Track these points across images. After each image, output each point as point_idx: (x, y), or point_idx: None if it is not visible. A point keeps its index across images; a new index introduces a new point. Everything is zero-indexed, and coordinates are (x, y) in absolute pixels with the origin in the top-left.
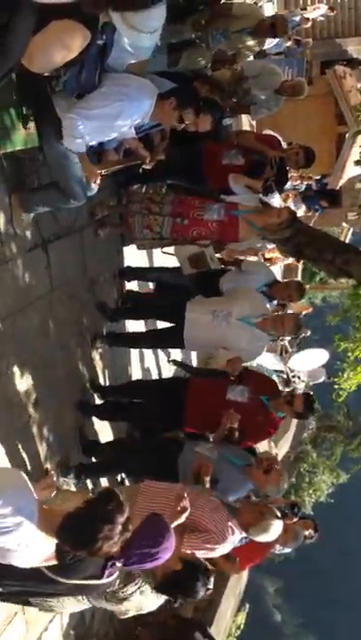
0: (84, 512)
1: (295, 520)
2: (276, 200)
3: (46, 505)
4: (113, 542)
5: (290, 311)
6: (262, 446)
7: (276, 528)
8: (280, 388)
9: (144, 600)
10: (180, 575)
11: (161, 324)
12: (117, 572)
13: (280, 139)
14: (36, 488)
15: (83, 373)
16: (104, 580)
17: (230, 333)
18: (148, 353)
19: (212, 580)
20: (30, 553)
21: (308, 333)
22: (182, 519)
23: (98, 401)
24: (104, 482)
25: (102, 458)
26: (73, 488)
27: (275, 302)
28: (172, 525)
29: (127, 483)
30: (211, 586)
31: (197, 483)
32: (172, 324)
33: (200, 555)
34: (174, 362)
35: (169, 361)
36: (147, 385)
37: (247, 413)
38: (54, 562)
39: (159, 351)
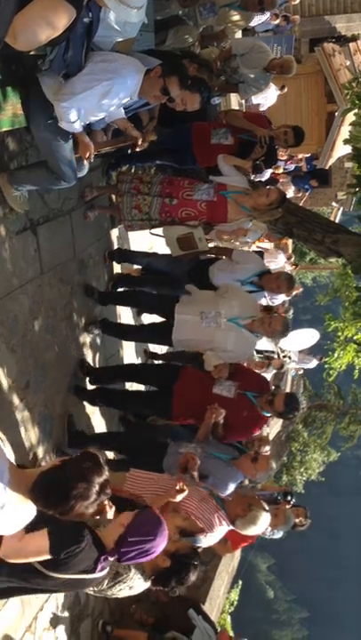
0: (60, 469)
1: (287, 507)
2: (266, 174)
3: None
4: (88, 503)
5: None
6: None
7: (263, 521)
8: (260, 367)
9: (134, 590)
10: (170, 570)
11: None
12: (109, 567)
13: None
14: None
15: (73, 357)
16: (97, 575)
17: (219, 335)
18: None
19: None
20: (6, 516)
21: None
22: (177, 499)
23: (89, 386)
24: None
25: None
26: None
27: (265, 294)
28: (162, 503)
29: None
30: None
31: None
32: (162, 320)
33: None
34: (149, 353)
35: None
36: (137, 370)
37: (232, 409)
38: (47, 556)
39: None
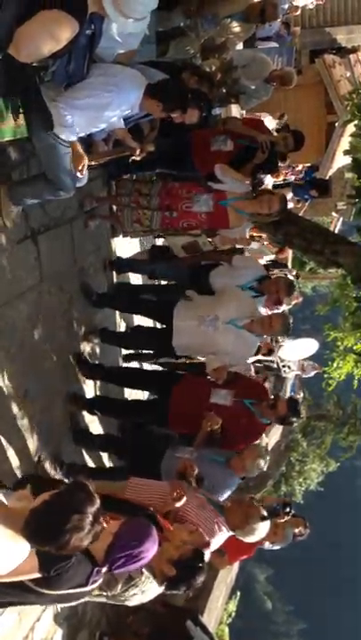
0: (51, 503)
1: (287, 519)
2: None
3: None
4: (83, 534)
5: None
6: None
7: (262, 529)
8: (253, 374)
9: (146, 595)
10: (177, 578)
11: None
12: (102, 579)
13: (268, 119)
14: (11, 498)
15: (72, 365)
16: (89, 588)
17: (218, 338)
18: None
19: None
20: (2, 555)
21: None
22: (177, 505)
23: (88, 394)
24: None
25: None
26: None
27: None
28: (164, 511)
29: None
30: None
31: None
32: (161, 327)
33: None
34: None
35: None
36: (135, 376)
37: (230, 417)
38: (37, 575)
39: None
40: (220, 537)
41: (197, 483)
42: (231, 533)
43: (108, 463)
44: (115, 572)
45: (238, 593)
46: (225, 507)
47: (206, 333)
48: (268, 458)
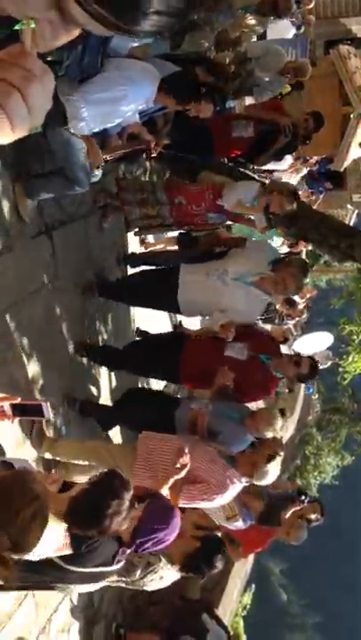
0: (90, 491)
1: (303, 506)
2: (287, 162)
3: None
4: (122, 518)
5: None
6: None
7: (273, 470)
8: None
9: (164, 581)
10: (198, 554)
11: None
12: (124, 560)
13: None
14: (44, 481)
15: (87, 361)
16: (114, 567)
17: (226, 293)
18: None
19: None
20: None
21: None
22: (182, 475)
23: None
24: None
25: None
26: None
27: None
28: (171, 481)
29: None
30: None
31: (194, 434)
32: (166, 285)
33: (199, 506)
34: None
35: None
36: (145, 342)
37: (246, 371)
38: (67, 551)
39: (161, 323)
40: (233, 490)
41: (210, 435)
42: (244, 484)
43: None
44: (134, 558)
45: (253, 586)
46: (236, 458)
47: (214, 288)
48: (280, 424)
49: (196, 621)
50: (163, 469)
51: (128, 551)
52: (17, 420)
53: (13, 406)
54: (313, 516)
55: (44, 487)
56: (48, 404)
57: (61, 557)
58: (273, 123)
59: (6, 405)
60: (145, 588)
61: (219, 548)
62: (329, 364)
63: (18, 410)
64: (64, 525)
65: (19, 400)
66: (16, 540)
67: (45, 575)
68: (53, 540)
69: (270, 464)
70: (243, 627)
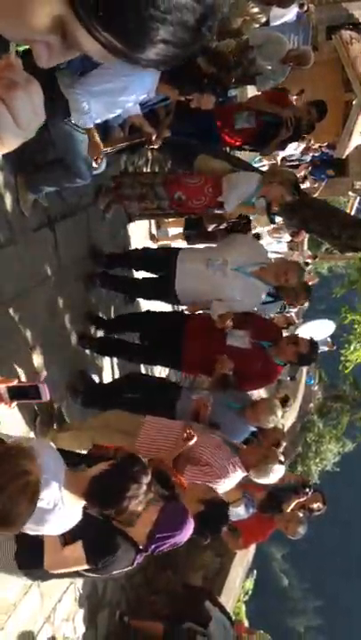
0: (111, 473)
1: (306, 498)
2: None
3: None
4: (139, 501)
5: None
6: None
7: (277, 472)
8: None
9: None
10: (203, 516)
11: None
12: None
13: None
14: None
15: (89, 354)
16: (133, 566)
17: (225, 284)
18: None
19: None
20: (63, 514)
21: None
22: (188, 446)
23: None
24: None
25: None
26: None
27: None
28: (175, 454)
29: None
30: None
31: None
32: (161, 274)
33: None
34: None
35: None
36: (147, 320)
37: (247, 359)
38: (85, 567)
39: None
40: (234, 477)
41: (211, 426)
42: (245, 474)
43: None
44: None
45: (255, 571)
46: (240, 448)
47: (213, 278)
48: (280, 413)
49: (199, 609)
50: (173, 441)
51: (145, 554)
52: (15, 404)
53: (9, 389)
54: (315, 506)
55: (35, 463)
56: (45, 385)
57: (86, 571)
58: (275, 115)
59: (2, 388)
60: None
61: (223, 512)
62: (326, 349)
63: (14, 393)
64: (80, 506)
65: (15, 382)
66: (2, 512)
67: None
68: (72, 518)
69: (278, 465)
70: (245, 612)
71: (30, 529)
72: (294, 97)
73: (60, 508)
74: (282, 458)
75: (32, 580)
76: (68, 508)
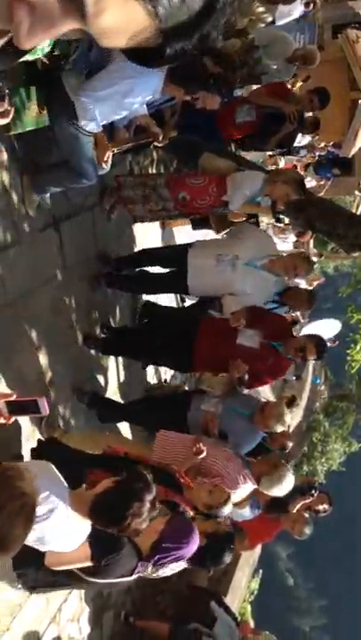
0: (114, 491)
1: (312, 499)
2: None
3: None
4: (142, 519)
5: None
6: None
7: (288, 482)
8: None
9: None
10: (206, 550)
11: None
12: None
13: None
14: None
15: (93, 354)
16: (132, 578)
17: (236, 278)
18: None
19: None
20: (70, 535)
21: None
22: (198, 459)
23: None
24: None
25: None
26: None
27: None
28: (186, 467)
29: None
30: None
31: (206, 435)
32: (173, 270)
33: None
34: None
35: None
36: (156, 329)
37: (258, 358)
38: (89, 564)
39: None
40: (245, 488)
41: (220, 436)
42: (255, 486)
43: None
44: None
45: (260, 571)
46: (250, 462)
47: (224, 274)
48: (289, 417)
49: (205, 609)
50: (184, 454)
51: (146, 564)
52: (14, 419)
53: (8, 404)
54: (321, 507)
55: (32, 485)
56: (44, 399)
57: (82, 570)
58: (278, 109)
59: (1, 403)
60: (154, 576)
61: (225, 546)
62: (328, 345)
63: (13, 407)
64: (88, 523)
65: (14, 397)
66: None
67: (70, 585)
68: (77, 535)
69: (290, 474)
70: (250, 612)
71: (37, 546)
72: (299, 83)
73: (64, 534)
74: (291, 470)
75: (25, 588)
76: (78, 526)
